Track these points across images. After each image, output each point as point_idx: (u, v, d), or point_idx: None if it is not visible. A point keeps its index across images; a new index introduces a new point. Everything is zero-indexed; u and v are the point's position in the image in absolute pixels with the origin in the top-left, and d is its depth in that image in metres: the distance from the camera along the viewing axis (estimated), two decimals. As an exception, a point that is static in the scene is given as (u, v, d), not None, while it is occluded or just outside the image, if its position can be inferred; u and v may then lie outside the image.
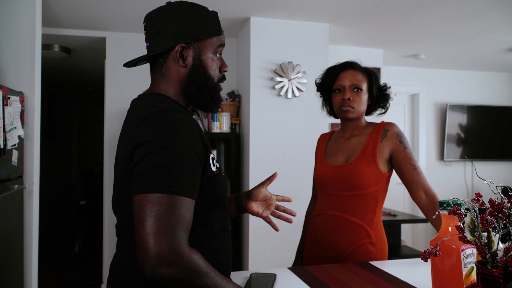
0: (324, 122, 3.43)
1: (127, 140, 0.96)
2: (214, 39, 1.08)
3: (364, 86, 1.64)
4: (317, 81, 1.75)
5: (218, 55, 1.10)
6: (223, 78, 1.13)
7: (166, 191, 0.87)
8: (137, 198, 0.89)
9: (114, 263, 1.07)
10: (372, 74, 1.67)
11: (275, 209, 1.39)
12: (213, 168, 1.02)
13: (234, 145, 3.54)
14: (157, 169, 0.88)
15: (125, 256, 1.03)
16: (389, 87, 1.72)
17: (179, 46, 1.03)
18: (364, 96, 1.64)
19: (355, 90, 1.63)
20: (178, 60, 1.04)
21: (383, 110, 1.72)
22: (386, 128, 1.62)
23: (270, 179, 1.34)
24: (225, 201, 1.11)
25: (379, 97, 1.69)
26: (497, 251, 0.84)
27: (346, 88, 1.64)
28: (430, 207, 1.53)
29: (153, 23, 1.05)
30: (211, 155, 1.03)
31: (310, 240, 1.69)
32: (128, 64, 1.12)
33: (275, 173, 1.35)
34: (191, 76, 1.06)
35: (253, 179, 3.30)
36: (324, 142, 1.78)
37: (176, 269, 0.85)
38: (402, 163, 1.57)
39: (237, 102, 3.67)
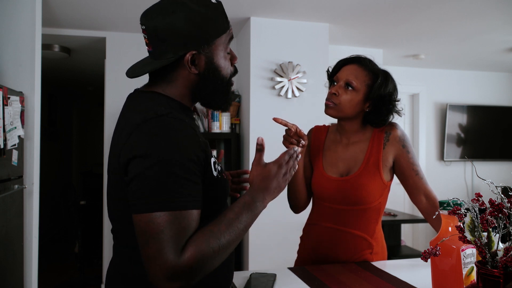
0: (324, 123, 3.43)
1: (121, 148, 0.91)
2: (223, 36, 1.00)
3: (361, 86, 1.46)
4: (328, 70, 1.61)
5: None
6: (235, 72, 1.06)
7: (165, 208, 0.84)
8: (137, 218, 0.85)
9: (111, 268, 1.04)
10: (379, 76, 1.47)
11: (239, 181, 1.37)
12: (215, 173, 0.98)
13: (234, 145, 3.54)
14: (154, 185, 0.84)
15: (121, 260, 1.01)
16: (398, 100, 1.50)
17: (189, 54, 0.95)
18: (356, 97, 1.46)
19: (347, 87, 1.47)
20: (190, 68, 0.97)
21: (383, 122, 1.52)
22: (387, 131, 1.51)
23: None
24: (226, 203, 1.09)
25: (379, 106, 1.48)
26: (497, 251, 0.84)
27: (339, 82, 1.49)
28: (431, 211, 1.47)
29: (155, 27, 0.95)
30: (213, 159, 0.98)
31: (303, 247, 1.60)
32: (133, 76, 1.02)
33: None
34: (205, 81, 0.99)
35: (253, 179, 3.29)
36: (321, 143, 1.61)
37: (184, 281, 0.84)
38: (405, 169, 1.48)
39: (237, 102, 3.67)
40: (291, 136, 1.44)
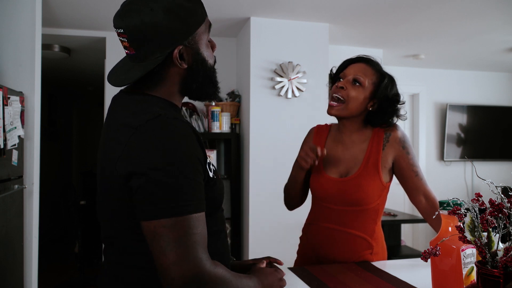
0: (326, 122, 3.43)
1: (119, 151, 0.88)
2: (203, 25, 0.97)
3: (368, 84, 1.46)
4: (331, 70, 1.61)
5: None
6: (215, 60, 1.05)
7: (179, 213, 0.83)
8: (150, 225, 0.83)
9: (106, 276, 1.00)
10: (385, 77, 1.48)
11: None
12: (210, 174, 0.97)
13: (234, 145, 3.54)
14: (164, 191, 0.83)
15: (118, 265, 0.97)
16: (402, 102, 1.50)
17: (177, 49, 0.93)
18: (363, 93, 1.46)
19: (355, 83, 1.47)
20: (180, 64, 0.94)
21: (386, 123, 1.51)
22: (387, 131, 1.50)
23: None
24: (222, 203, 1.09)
25: (385, 107, 1.48)
26: (497, 251, 0.84)
27: (346, 78, 1.48)
28: (430, 211, 1.47)
29: (135, 28, 0.90)
30: (208, 160, 0.97)
31: (303, 247, 1.61)
32: (119, 84, 0.98)
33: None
34: (193, 73, 0.98)
35: (253, 179, 3.29)
36: (322, 143, 1.60)
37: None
38: (405, 170, 1.48)
39: (237, 102, 3.67)
40: (309, 155, 1.45)
